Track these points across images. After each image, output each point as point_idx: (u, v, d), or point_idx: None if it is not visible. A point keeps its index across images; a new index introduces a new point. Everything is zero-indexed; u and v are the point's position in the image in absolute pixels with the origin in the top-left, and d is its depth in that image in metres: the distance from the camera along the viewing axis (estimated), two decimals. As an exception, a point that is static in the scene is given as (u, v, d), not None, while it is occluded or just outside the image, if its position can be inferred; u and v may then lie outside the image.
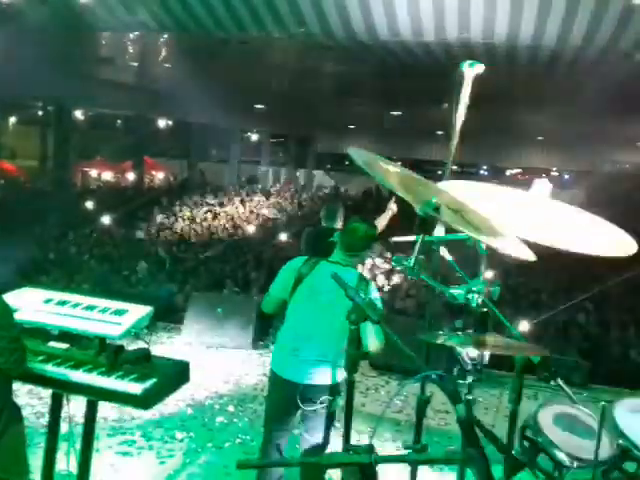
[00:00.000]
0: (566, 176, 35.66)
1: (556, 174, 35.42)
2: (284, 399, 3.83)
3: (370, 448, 1.76)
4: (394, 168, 2.25)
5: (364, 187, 27.93)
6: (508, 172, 35.03)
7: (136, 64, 17.18)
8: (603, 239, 2.42)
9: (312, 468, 3.82)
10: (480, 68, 2.84)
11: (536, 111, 22.89)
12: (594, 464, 2.05)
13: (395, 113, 28.19)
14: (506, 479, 2.37)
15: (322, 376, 3.75)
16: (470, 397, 2.16)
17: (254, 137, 34.58)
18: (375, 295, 3.65)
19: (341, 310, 3.63)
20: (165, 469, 4.72)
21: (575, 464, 2.30)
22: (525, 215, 2.44)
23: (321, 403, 3.69)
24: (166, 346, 7.44)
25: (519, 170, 34.80)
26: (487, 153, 30.41)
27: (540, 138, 29.52)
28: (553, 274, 15.08)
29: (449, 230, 2.55)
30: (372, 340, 3.48)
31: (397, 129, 31.39)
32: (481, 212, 2.28)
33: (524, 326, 9.56)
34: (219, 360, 7.17)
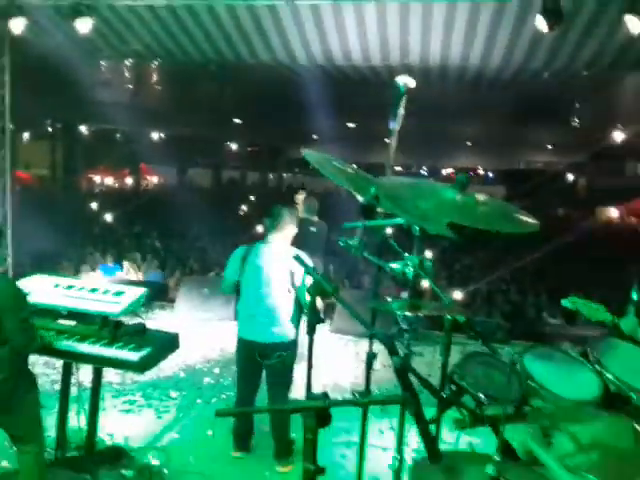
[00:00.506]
0: (490, 174, 36.16)
1: (482, 172, 35.93)
2: (248, 358, 3.94)
3: (325, 395, 1.77)
4: (341, 166, 2.26)
5: (324, 187, 27.89)
6: (444, 171, 35.29)
7: (131, 86, 16.95)
8: (514, 220, 2.45)
9: (278, 414, 3.91)
10: (412, 83, 2.85)
11: (465, 120, 23.09)
12: (506, 401, 2.10)
13: (351, 125, 28.21)
14: (438, 416, 2.42)
15: (275, 335, 3.88)
16: (406, 351, 2.20)
17: (234, 146, 34.26)
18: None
19: (279, 279, 3.82)
20: (162, 422, 4.71)
21: (491, 402, 2.36)
22: (450, 203, 2.46)
23: (278, 357, 3.80)
24: (160, 321, 7.39)
25: (452, 170, 35.15)
26: (425, 156, 30.62)
27: (468, 143, 29.82)
28: (481, 252, 15.36)
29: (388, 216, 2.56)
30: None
31: (353, 138, 31.39)
32: (414, 201, 2.31)
33: (457, 295, 9.72)
34: (206, 331, 7.15)
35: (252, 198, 26.41)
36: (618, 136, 21.16)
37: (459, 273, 14.38)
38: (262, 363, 3.86)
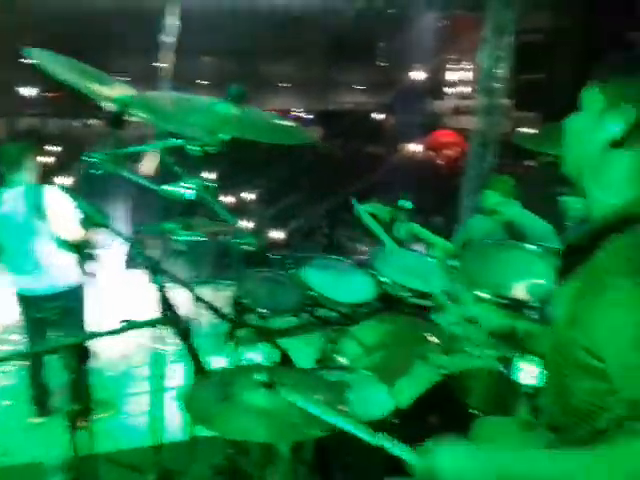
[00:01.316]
0: (306, 116, 36.77)
1: (299, 114, 36.43)
2: (28, 313, 3.61)
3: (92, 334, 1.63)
4: (81, 71, 2.01)
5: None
6: (262, 114, 35.17)
7: None
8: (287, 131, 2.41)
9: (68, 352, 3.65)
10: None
11: (276, 61, 23.09)
12: (285, 311, 2.12)
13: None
14: (230, 335, 2.38)
15: (44, 284, 3.56)
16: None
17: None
18: None
19: (31, 227, 3.49)
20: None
21: (274, 314, 2.39)
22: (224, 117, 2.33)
23: (52, 309, 3.50)
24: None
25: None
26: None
27: (281, 84, 29.97)
28: (298, 192, 15.76)
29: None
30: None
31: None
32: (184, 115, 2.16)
33: (278, 234, 9.84)
34: None
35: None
36: (419, 75, 22.69)
37: (277, 214, 14.65)
38: (43, 317, 3.52)
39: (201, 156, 2.37)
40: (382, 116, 32.34)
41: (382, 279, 2.65)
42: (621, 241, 1.22)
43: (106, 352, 4.27)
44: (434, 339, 2.68)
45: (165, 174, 2.50)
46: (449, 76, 30.60)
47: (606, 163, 1.30)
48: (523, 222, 3.64)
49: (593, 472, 1.16)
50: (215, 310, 2.27)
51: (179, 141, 2.34)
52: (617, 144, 1.28)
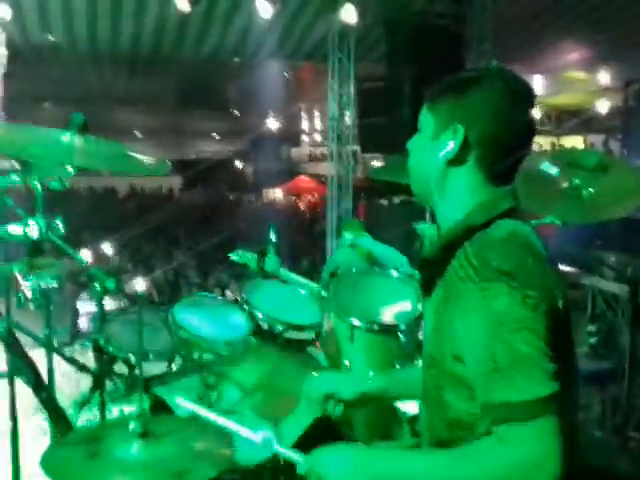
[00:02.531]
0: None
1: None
2: None
3: None
4: None
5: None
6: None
7: None
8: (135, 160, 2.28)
9: None
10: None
11: (131, 109, 22.55)
12: (156, 356, 1.96)
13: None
14: (92, 392, 2.16)
15: None
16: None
17: None
18: None
19: None
20: None
21: (144, 360, 2.20)
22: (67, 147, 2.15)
23: None
24: None
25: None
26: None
27: (138, 134, 29.25)
28: (162, 239, 15.30)
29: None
30: None
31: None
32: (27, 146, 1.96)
33: (142, 285, 9.36)
34: None
35: None
36: (272, 123, 23.26)
37: (142, 262, 14.04)
38: None
39: (44, 194, 2.17)
40: (239, 164, 32.68)
41: (256, 313, 2.57)
42: (467, 250, 1.27)
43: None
44: (315, 374, 2.63)
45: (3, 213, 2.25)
46: (303, 124, 31.84)
47: (446, 180, 1.37)
48: (378, 253, 3.89)
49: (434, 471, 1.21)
50: (73, 362, 2.04)
51: (19, 177, 2.12)
52: (453, 162, 1.35)
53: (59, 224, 2.17)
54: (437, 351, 1.34)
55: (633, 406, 3.68)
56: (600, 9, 7.89)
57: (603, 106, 15.00)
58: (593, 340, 5.11)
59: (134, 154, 2.13)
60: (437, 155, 1.36)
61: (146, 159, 2.13)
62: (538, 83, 15.54)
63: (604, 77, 12.65)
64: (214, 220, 17.98)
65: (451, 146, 1.33)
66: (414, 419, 2.43)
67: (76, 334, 5.38)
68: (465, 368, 1.25)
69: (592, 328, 5.14)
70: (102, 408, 2.06)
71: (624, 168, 2.56)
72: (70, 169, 2.07)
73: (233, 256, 3.23)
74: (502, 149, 1.33)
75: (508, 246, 1.23)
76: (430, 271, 1.39)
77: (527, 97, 1.36)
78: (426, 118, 1.41)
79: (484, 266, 1.20)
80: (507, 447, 1.12)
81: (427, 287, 1.42)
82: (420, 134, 1.43)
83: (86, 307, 6.27)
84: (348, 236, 4.21)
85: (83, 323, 5.79)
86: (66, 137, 1.98)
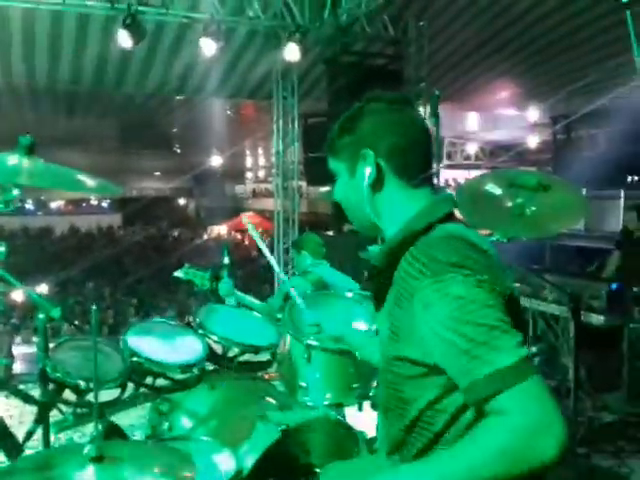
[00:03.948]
0: (104, 203, 35.26)
1: (95, 202, 34.72)
2: None
3: None
4: None
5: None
6: (53, 204, 32.87)
7: None
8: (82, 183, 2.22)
9: None
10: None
11: (72, 149, 21.99)
12: (107, 382, 1.86)
13: None
14: (39, 422, 2.01)
15: None
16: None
17: None
18: None
19: None
20: None
21: (91, 384, 2.08)
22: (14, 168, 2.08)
23: None
24: None
25: (62, 202, 33.14)
26: (30, 189, 28.07)
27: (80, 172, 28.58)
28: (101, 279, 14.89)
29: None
30: None
31: None
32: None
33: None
34: None
35: None
36: (216, 160, 23.23)
37: (79, 304, 13.61)
38: None
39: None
40: (183, 201, 32.38)
41: (210, 336, 2.51)
42: (412, 252, 1.32)
43: None
44: (269, 398, 2.58)
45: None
46: (247, 161, 31.95)
47: (377, 204, 1.44)
48: (330, 278, 3.89)
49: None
50: (17, 393, 1.91)
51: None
52: (375, 185, 1.43)
53: (2, 249, 2.08)
54: (394, 354, 1.34)
55: (578, 423, 3.77)
56: (522, 51, 8.37)
57: (532, 141, 15.90)
58: (536, 361, 5.24)
59: (81, 175, 2.08)
60: (361, 187, 1.43)
61: (92, 180, 2.08)
62: (473, 120, 16.27)
63: (533, 114, 13.35)
64: (155, 256, 17.67)
65: (369, 171, 1.41)
66: (371, 440, 2.41)
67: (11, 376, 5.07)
68: (425, 364, 1.26)
69: (534, 349, 5.28)
70: (47, 438, 1.93)
71: (563, 186, 2.67)
72: (16, 192, 2.01)
73: (179, 273, 3.15)
74: (408, 152, 1.42)
75: (450, 243, 1.28)
76: (379, 279, 1.43)
77: (403, 100, 1.48)
78: (336, 165, 1.51)
79: (432, 261, 1.24)
80: (510, 416, 1.11)
81: (379, 296, 1.45)
82: (339, 181, 1.51)
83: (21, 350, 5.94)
84: (307, 257, 4.08)
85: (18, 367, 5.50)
86: (13, 159, 1.93)
